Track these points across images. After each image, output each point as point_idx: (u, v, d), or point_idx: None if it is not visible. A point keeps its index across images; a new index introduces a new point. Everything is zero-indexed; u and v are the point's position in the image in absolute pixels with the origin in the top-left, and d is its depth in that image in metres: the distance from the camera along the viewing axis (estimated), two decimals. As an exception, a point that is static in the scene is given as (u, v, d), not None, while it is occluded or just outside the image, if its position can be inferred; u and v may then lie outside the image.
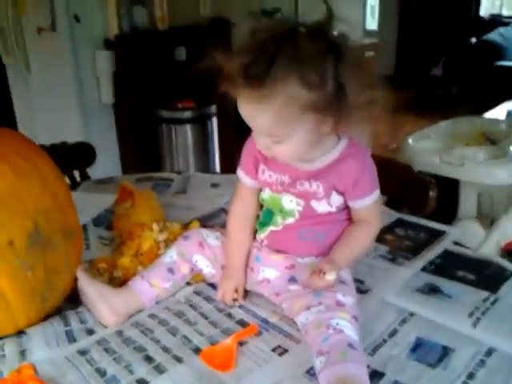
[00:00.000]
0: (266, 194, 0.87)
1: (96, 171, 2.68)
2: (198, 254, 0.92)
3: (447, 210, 1.83)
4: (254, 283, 0.90)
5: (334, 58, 0.70)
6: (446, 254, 1.04)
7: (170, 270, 0.90)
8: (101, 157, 2.93)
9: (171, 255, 0.92)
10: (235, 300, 0.89)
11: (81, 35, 2.74)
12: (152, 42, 2.89)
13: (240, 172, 0.90)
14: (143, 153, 2.98)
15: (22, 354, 0.77)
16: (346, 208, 0.86)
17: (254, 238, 0.92)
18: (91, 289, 0.84)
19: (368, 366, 0.71)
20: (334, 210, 0.84)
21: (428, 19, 6.34)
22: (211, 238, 0.94)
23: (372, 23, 7.37)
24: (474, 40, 5.91)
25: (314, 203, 0.83)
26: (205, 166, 3.01)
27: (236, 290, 0.89)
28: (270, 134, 0.75)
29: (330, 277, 0.77)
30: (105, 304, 0.83)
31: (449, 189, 1.83)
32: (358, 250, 0.86)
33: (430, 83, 6.06)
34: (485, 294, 0.89)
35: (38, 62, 2.86)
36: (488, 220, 1.74)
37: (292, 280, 0.85)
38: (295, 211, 0.84)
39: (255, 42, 0.70)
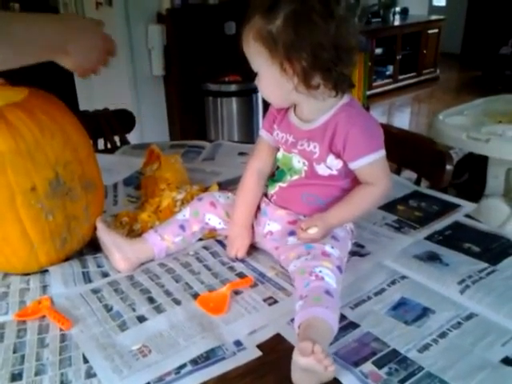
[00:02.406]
0: (280, 154, 0.94)
1: (146, 139, 2.81)
2: (210, 213, 0.99)
3: (483, 184, 1.81)
4: (260, 236, 0.97)
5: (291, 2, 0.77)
6: (456, 226, 1.05)
7: (182, 227, 0.98)
8: (150, 126, 3.08)
9: (184, 214, 0.99)
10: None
11: (135, 9, 2.85)
12: (202, 16, 2.96)
13: (262, 130, 0.98)
14: (190, 123, 3.09)
15: (44, 288, 0.88)
16: (350, 175, 0.88)
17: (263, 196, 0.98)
18: (107, 237, 0.94)
19: (345, 318, 0.77)
20: (335, 172, 0.87)
21: (499, -5, 6.04)
22: (223, 197, 1.01)
23: (440, -1, 7.11)
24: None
25: (315, 165, 0.88)
26: (248, 137, 3.08)
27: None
28: (249, 61, 0.85)
29: (311, 231, 0.84)
30: (118, 252, 0.92)
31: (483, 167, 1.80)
32: (354, 211, 0.88)
33: (498, 62, 5.78)
34: (484, 265, 0.89)
35: (96, 35, 3.01)
36: (516, 198, 1.70)
37: (292, 234, 0.91)
38: (302, 170, 0.90)
39: None
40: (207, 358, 0.70)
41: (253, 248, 0.98)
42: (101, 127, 1.63)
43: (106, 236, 0.94)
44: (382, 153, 0.85)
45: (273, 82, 0.83)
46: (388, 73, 5.54)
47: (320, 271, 0.77)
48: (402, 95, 5.53)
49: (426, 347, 0.71)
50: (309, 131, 0.87)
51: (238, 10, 3.24)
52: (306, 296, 0.74)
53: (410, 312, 0.78)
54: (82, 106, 3.45)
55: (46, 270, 0.92)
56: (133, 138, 1.77)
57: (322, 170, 0.88)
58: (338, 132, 0.84)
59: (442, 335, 0.73)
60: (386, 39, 5.32)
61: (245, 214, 0.97)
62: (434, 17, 6.04)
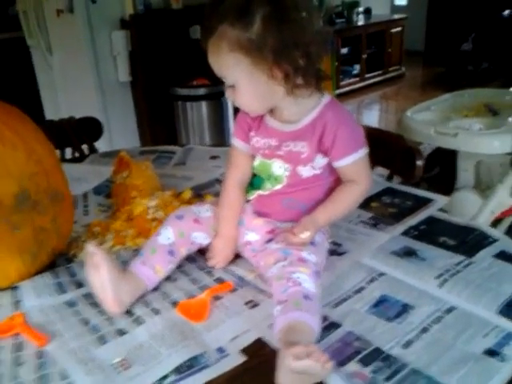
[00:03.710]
0: (257, 161, 0.91)
1: (115, 146, 2.76)
2: (196, 231, 0.92)
3: (451, 182, 1.83)
4: (239, 245, 0.95)
5: (265, 5, 0.75)
6: (431, 221, 1.05)
7: (171, 253, 0.89)
8: (119, 132, 3.04)
9: (168, 237, 0.89)
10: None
11: (97, 16, 2.81)
12: (167, 20, 2.93)
13: (233, 139, 0.94)
14: (160, 128, 3.05)
15: (16, 304, 0.85)
16: (331, 173, 0.88)
17: None
18: (105, 270, 0.79)
19: (326, 318, 0.76)
20: (318, 171, 0.87)
21: (459, -8, 6.18)
22: (203, 211, 0.94)
23: (401, -2, 7.23)
24: (506, 12, 5.73)
25: (299, 168, 0.86)
26: (220, 140, 3.07)
27: None
28: (221, 75, 0.82)
29: (304, 235, 0.83)
30: (112, 291, 0.79)
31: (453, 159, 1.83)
32: (340, 209, 0.88)
33: (460, 58, 5.92)
34: (460, 258, 0.90)
35: (58, 44, 2.95)
36: (487, 189, 1.73)
37: (269, 241, 0.89)
38: (283, 177, 0.88)
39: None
40: (190, 366, 0.68)
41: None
42: (67, 136, 1.59)
43: (105, 267, 0.78)
44: (365, 150, 0.86)
45: (256, 90, 0.81)
46: (355, 72, 5.59)
47: (298, 277, 0.76)
48: (369, 93, 5.59)
49: (408, 343, 0.70)
50: (294, 132, 0.86)
51: (202, 13, 3.23)
52: (284, 301, 0.73)
53: (390, 309, 0.78)
54: (49, 116, 3.37)
55: (17, 286, 0.88)
56: (102, 145, 1.73)
57: (306, 171, 0.87)
58: (327, 130, 0.83)
59: (424, 330, 0.73)
60: (351, 39, 5.38)
61: (230, 226, 0.92)
62: (396, 16, 6.14)
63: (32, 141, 0.86)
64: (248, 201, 0.94)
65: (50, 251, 0.91)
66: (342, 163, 0.85)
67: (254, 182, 0.93)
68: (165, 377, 0.67)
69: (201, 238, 0.93)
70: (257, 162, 0.91)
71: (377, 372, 0.65)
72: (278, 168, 0.88)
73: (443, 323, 0.74)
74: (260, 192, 0.92)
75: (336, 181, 0.89)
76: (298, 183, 0.88)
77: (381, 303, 0.79)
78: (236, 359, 0.69)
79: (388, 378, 0.64)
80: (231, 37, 0.75)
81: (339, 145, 0.83)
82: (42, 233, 0.86)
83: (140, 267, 0.86)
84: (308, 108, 0.85)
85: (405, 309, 0.78)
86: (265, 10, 0.74)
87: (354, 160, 0.85)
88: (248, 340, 0.73)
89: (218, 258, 0.93)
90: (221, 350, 0.71)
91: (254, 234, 0.92)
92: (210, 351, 0.71)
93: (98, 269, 0.79)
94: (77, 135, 1.60)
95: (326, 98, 0.86)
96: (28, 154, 0.84)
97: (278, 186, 0.89)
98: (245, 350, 0.71)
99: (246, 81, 0.80)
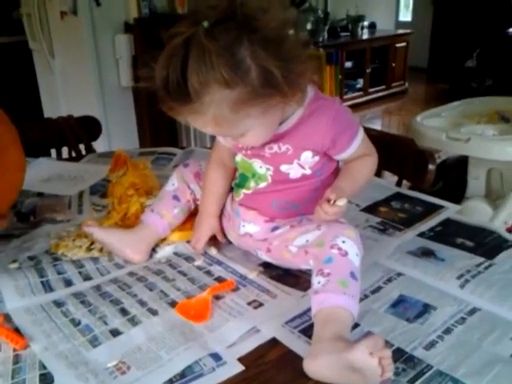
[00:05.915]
0: (239, 158, 0.87)
1: (114, 148, 2.70)
2: (195, 185, 0.95)
3: (458, 192, 1.77)
4: (236, 236, 0.91)
5: (248, 41, 0.64)
6: (446, 223, 1.01)
7: (175, 197, 0.94)
8: (119, 137, 2.99)
9: (173, 183, 0.96)
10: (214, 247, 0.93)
11: (101, 19, 2.77)
12: (171, 25, 2.90)
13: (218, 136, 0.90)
14: (160, 133, 2.99)
15: (-4, 305, 0.78)
16: (325, 171, 0.83)
17: (231, 190, 0.93)
18: (108, 238, 0.90)
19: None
20: (308, 172, 0.81)
21: (464, 9, 6.19)
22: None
23: (406, 14, 7.26)
24: (511, 30, 5.73)
25: (284, 167, 0.81)
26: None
27: (213, 238, 0.93)
28: (226, 135, 0.76)
29: (341, 202, 0.73)
30: (127, 247, 0.89)
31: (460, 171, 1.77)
32: (360, 180, 0.83)
33: (464, 75, 5.89)
34: (480, 259, 0.87)
35: (61, 47, 2.92)
36: (498, 199, 1.67)
37: (275, 229, 0.84)
38: (267, 175, 0.83)
39: (166, 52, 0.66)
40: (182, 375, 0.62)
41: (230, 248, 0.93)
42: (64, 135, 1.54)
43: (106, 237, 0.90)
44: (361, 129, 0.83)
45: (271, 123, 0.74)
46: (358, 86, 5.58)
47: (343, 242, 0.70)
48: (372, 108, 5.57)
49: (432, 344, 0.67)
50: (278, 133, 0.78)
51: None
52: (328, 274, 0.68)
53: (410, 309, 0.74)
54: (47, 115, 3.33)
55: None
56: (100, 148, 1.68)
57: (294, 171, 0.81)
58: (319, 126, 0.77)
59: (447, 331, 0.69)
60: (356, 53, 5.37)
61: (210, 202, 0.92)
62: (401, 31, 6.14)
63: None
64: (238, 203, 0.89)
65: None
66: (347, 153, 0.81)
67: (240, 180, 0.89)
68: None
69: (198, 193, 0.95)
70: (239, 159, 0.87)
71: (399, 374, 0.61)
72: (259, 168, 0.83)
73: (467, 324, 0.70)
74: (244, 191, 0.87)
75: (327, 179, 0.83)
76: (283, 182, 0.83)
77: (400, 303, 0.76)
78: (233, 368, 0.63)
79: (412, 380, 0.60)
80: (233, 97, 0.65)
81: (340, 141, 0.79)
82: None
83: (149, 215, 0.93)
84: (290, 110, 0.77)
85: (426, 309, 0.74)
86: (251, 48, 0.63)
87: (357, 145, 0.81)
88: (254, 343, 0.68)
89: (198, 235, 0.92)
90: (217, 357, 0.65)
91: (251, 225, 0.87)
92: (205, 358, 0.65)
93: (103, 241, 0.90)
94: (75, 134, 1.55)
95: (310, 94, 0.78)
96: None
97: (263, 185, 0.84)
98: (242, 359, 0.65)
99: (257, 123, 0.71)
